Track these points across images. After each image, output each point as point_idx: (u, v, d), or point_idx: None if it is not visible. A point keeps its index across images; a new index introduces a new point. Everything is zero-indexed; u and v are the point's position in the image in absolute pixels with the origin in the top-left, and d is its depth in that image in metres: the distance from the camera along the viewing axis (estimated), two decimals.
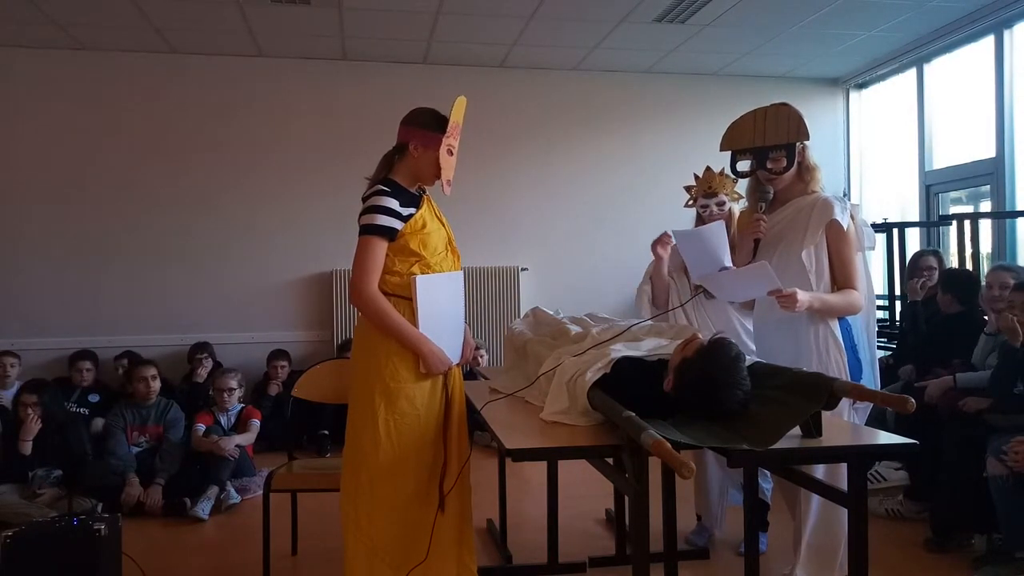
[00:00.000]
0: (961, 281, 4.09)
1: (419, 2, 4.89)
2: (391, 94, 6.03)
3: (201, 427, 4.31)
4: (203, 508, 3.86)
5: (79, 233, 5.70)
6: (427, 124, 2.42)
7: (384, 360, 2.38)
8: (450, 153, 2.42)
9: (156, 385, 4.40)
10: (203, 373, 5.31)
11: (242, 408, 4.58)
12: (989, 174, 5.36)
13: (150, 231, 5.80)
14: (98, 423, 4.61)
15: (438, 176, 2.43)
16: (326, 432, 5.01)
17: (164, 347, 5.63)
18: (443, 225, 2.52)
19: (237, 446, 4.23)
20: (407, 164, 2.43)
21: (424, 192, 2.52)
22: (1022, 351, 3.23)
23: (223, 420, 4.47)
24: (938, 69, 5.92)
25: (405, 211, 2.37)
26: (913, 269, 4.47)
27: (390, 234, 2.34)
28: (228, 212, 5.90)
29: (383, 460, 2.36)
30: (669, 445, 1.64)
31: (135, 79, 5.76)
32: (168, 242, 5.82)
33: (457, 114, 2.43)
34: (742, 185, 2.94)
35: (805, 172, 2.66)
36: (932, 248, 5.01)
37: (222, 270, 5.91)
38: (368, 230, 2.33)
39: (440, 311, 2.44)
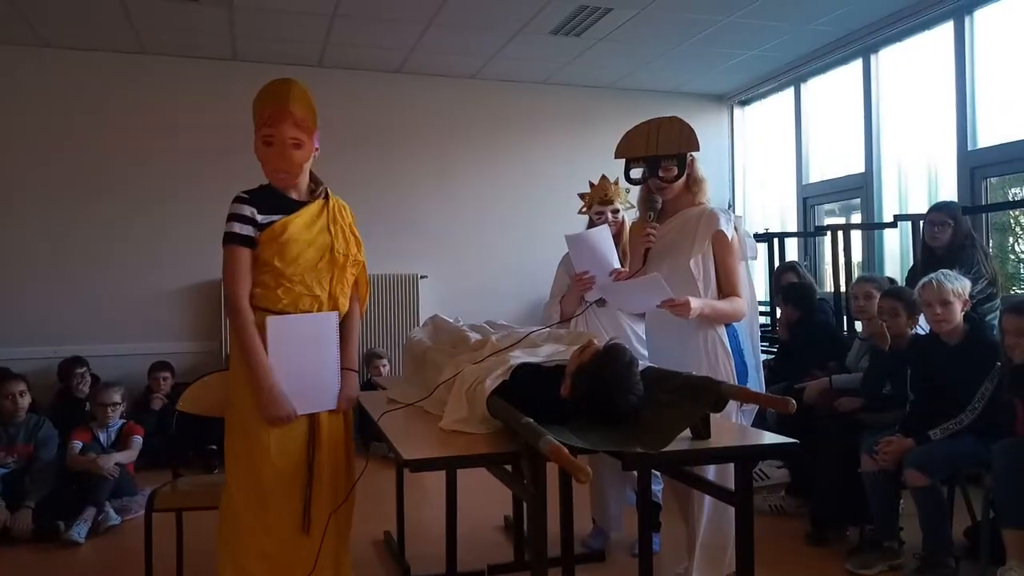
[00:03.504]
0: (797, 292, 4.44)
1: (314, 4, 4.79)
2: None
3: (78, 444, 4.05)
4: (79, 531, 3.62)
5: None
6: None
7: (245, 387, 2.29)
8: (267, 143, 2.28)
9: (25, 401, 4.10)
10: (84, 389, 5.00)
11: (123, 424, 4.34)
12: (859, 188, 5.74)
13: (15, 231, 5.41)
14: None
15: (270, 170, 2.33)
16: (215, 447, 4.80)
17: (31, 360, 5.24)
18: (330, 234, 2.36)
19: (117, 464, 4.00)
20: None
21: (318, 196, 2.40)
22: (889, 354, 3.47)
23: (102, 437, 4.22)
24: (814, 88, 6.29)
25: (264, 218, 2.29)
26: (777, 285, 4.78)
27: (245, 242, 2.29)
28: (105, 214, 5.57)
29: (241, 488, 2.29)
30: (566, 450, 1.66)
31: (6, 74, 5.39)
32: (36, 245, 5.44)
33: (268, 100, 2.28)
34: (633, 194, 3.02)
35: (693, 184, 2.76)
36: (790, 262, 5.31)
37: (98, 276, 5.57)
38: (224, 239, 2.30)
39: (298, 356, 2.30)
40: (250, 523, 2.28)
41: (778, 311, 5.33)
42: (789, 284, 4.60)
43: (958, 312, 3.15)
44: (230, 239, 2.29)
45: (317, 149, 2.37)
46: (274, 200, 2.33)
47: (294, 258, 2.29)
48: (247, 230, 2.28)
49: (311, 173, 2.44)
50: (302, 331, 2.32)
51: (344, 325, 2.44)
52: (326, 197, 2.44)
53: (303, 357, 2.31)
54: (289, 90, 2.29)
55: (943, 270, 3.27)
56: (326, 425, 2.38)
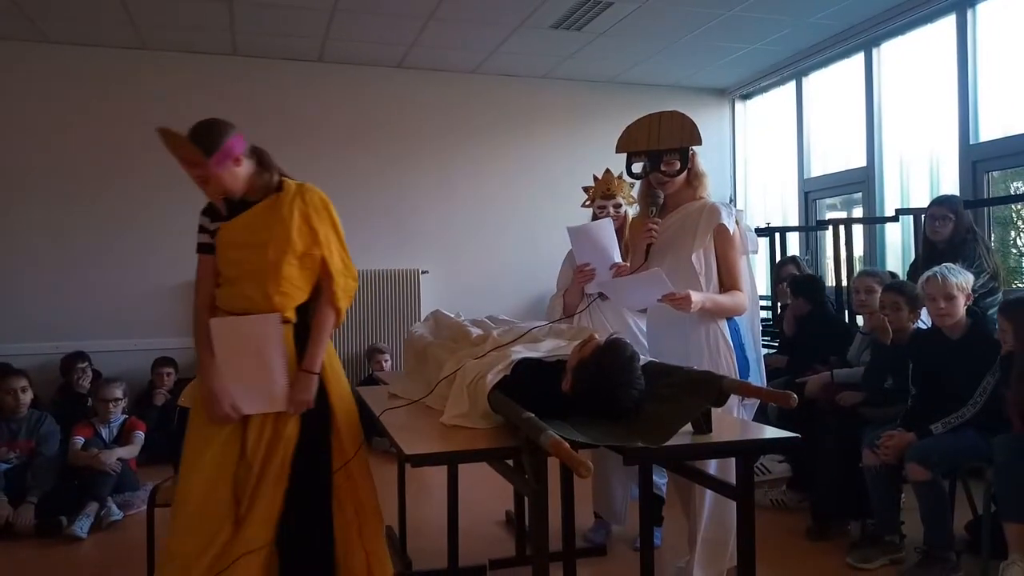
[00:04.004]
0: (807, 284, 4.42)
1: None
2: (284, 91, 5.88)
3: (79, 440, 4.06)
4: (81, 526, 3.63)
5: None
6: None
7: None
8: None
9: (27, 397, 4.10)
10: (85, 384, 5.01)
11: (125, 419, 4.34)
12: (861, 182, 5.73)
13: (16, 226, 5.41)
14: None
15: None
16: None
17: (33, 356, 5.25)
18: (270, 232, 2.30)
19: (119, 459, 4.00)
20: None
21: (271, 191, 2.35)
22: (890, 348, 3.47)
23: (104, 432, 4.22)
24: (815, 82, 6.27)
25: (214, 225, 2.37)
26: (777, 277, 4.77)
27: (205, 249, 2.39)
28: (107, 208, 5.57)
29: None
30: (567, 445, 1.66)
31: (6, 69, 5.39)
32: (38, 240, 5.45)
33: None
34: (636, 190, 3.02)
35: (694, 178, 2.75)
36: (791, 256, 5.32)
37: (100, 271, 5.57)
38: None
39: (241, 356, 2.31)
40: (171, 523, 2.31)
41: (779, 306, 5.33)
42: (797, 276, 4.58)
43: (961, 306, 3.15)
44: (197, 248, 2.42)
45: (238, 159, 2.31)
46: (226, 206, 2.38)
47: (230, 261, 2.34)
48: (203, 238, 2.40)
49: (267, 163, 2.40)
50: (241, 332, 2.33)
51: (311, 325, 2.39)
52: (280, 189, 2.37)
53: (246, 357, 2.32)
54: (164, 140, 2.32)
55: (946, 264, 3.26)
56: (271, 426, 2.33)
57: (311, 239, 2.34)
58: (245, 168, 2.34)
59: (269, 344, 2.32)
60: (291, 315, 2.37)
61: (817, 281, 4.49)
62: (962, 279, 3.15)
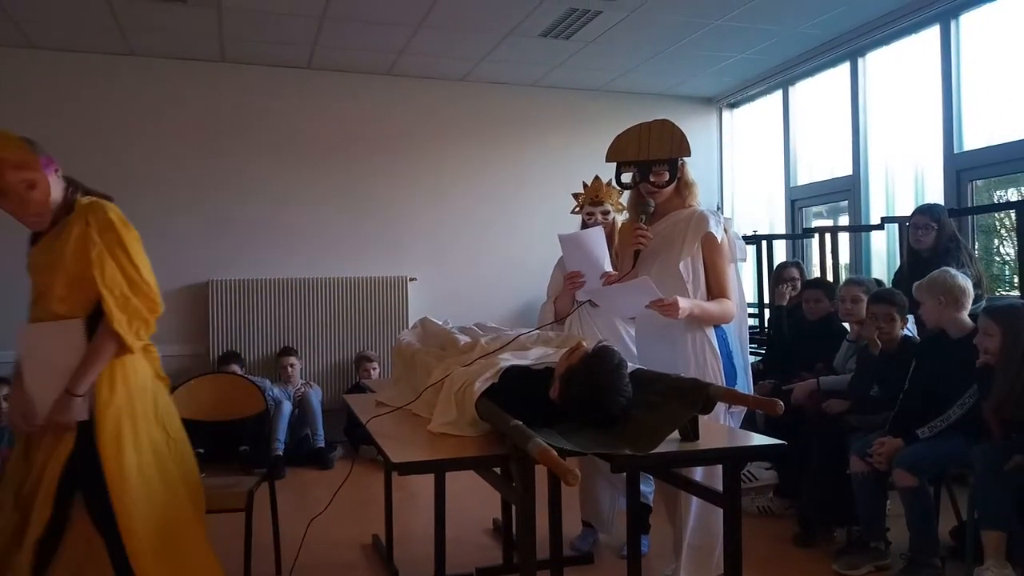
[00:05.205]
0: (825, 282, 4.41)
1: (303, 6, 4.78)
2: (273, 98, 5.87)
3: None
4: None
5: None
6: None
7: None
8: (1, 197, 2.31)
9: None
10: None
11: None
12: (847, 190, 5.78)
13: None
14: None
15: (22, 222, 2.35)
16: (201, 451, 4.73)
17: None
18: (51, 259, 2.28)
19: None
20: None
21: (67, 211, 2.31)
22: (877, 357, 3.49)
23: None
24: (802, 91, 6.32)
25: (29, 250, 2.39)
26: (777, 279, 4.74)
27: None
28: None
29: None
30: (555, 453, 1.67)
31: None
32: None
33: None
34: (625, 197, 3.03)
35: (684, 187, 2.77)
36: (794, 260, 5.34)
37: None
38: None
39: (43, 364, 2.28)
40: None
41: (767, 312, 5.33)
42: (814, 279, 4.51)
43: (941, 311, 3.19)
44: None
45: (57, 169, 2.32)
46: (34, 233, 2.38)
47: (32, 283, 2.37)
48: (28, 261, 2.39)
49: (67, 183, 2.40)
50: (43, 335, 2.34)
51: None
52: (70, 211, 2.32)
53: (45, 368, 2.28)
54: None
55: (946, 268, 3.28)
56: (47, 442, 2.24)
57: (86, 260, 2.25)
58: (57, 187, 2.33)
59: (65, 353, 2.27)
60: None
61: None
62: (948, 283, 3.17)
